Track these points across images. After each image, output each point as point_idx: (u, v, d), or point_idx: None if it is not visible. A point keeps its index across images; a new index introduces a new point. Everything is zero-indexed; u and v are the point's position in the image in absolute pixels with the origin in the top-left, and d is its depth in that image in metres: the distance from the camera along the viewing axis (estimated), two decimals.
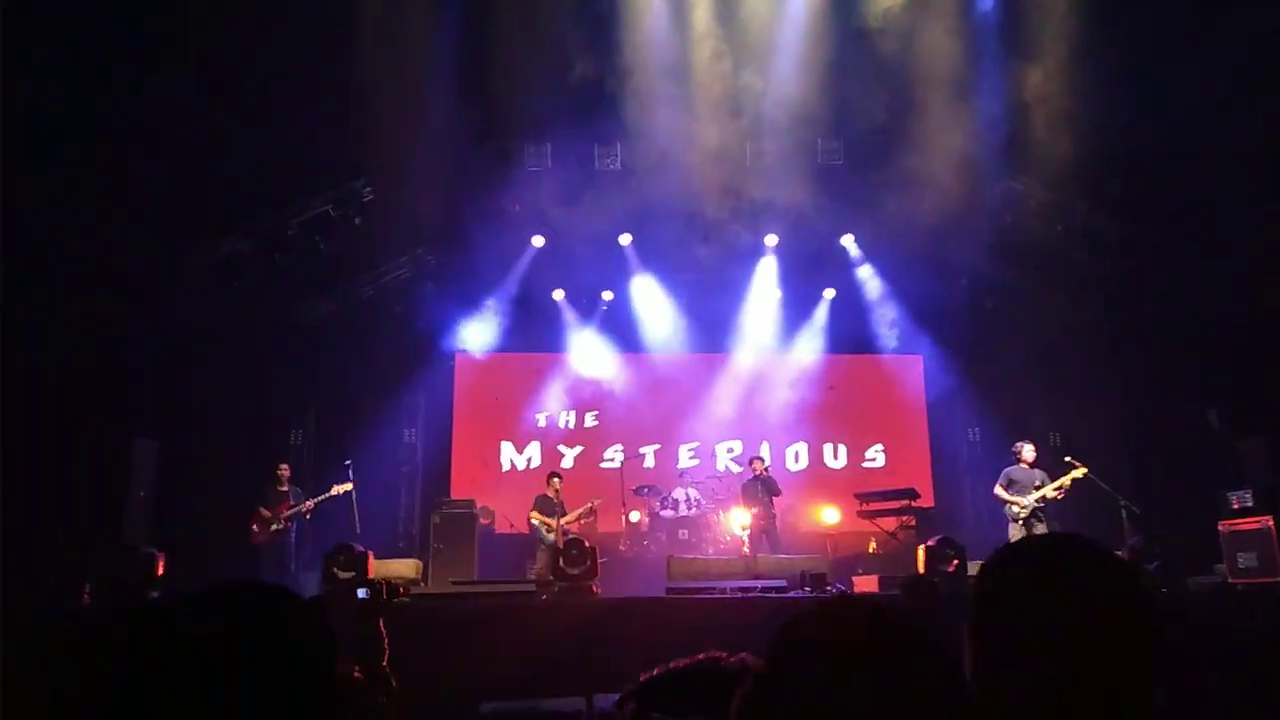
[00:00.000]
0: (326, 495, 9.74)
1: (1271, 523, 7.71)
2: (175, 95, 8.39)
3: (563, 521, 10.38)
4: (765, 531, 10.57)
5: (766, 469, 11.04)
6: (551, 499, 10.60)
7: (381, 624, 4.31)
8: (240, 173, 9.23)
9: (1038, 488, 9.43)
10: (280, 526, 9.67)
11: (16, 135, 7.10)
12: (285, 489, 9.93)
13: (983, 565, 1.25)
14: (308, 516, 9.85)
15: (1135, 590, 1.19)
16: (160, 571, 7.01)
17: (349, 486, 9.76)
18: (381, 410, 12.26)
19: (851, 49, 9.73)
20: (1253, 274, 9.32)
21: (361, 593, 4.79)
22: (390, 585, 4.85)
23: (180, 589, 6.21)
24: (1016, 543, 1.27)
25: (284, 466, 10.12)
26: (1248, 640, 6.47)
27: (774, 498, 10.83)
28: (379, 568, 7.82)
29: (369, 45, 9.17)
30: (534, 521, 10.51)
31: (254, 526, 9.61)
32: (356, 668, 3.86)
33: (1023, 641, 1.16)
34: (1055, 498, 9.40)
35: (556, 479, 10.82)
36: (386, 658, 4.32)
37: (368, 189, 10.82)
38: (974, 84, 10.04)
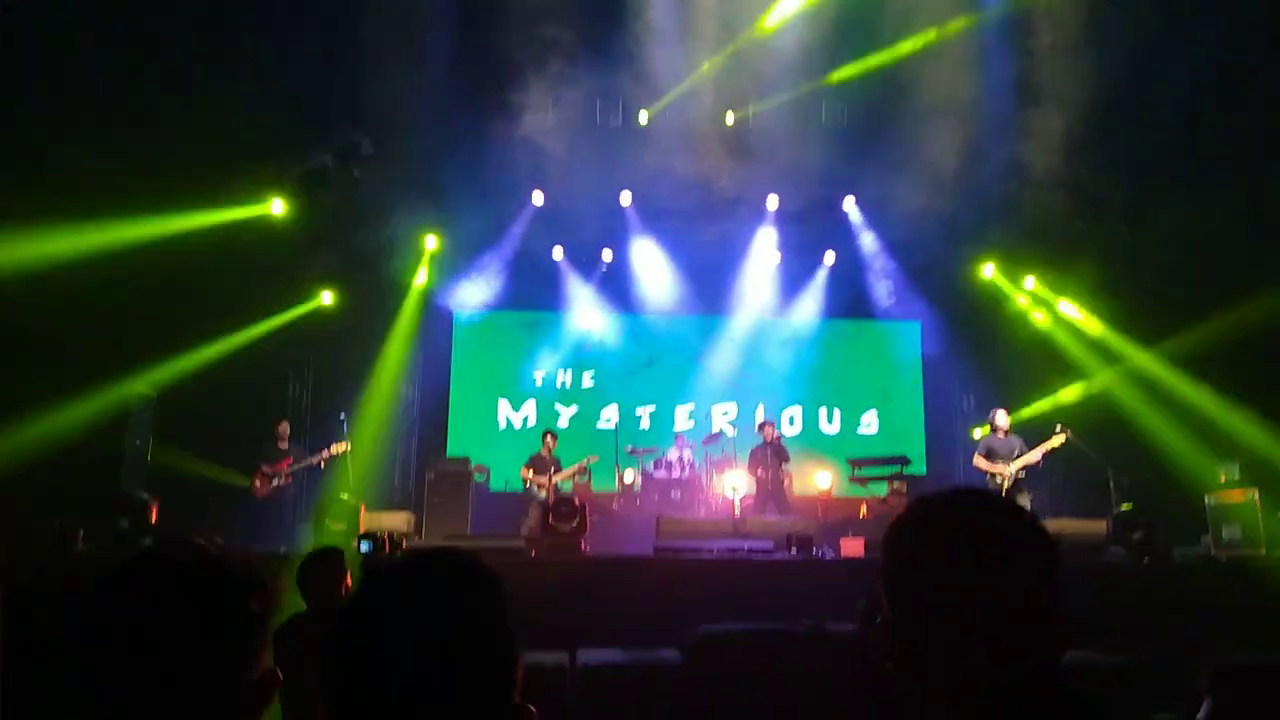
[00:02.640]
0: (324, 455, 9.81)
1: (1257, 495, 7.75)
2: (175, 45, 8.33)
3: (556, 478, 10.45)
4: (772, 496, 10.54)
5: (778, 435, 11.03)
6: (545, 457, 10.67)
7: None
8: (238, 123, 9.18)
9: (1017, 456, 9.40)
10: (282, 483, 9.78)
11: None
12: (285, 446, 10.01)
13: (894, 519, 1.28)
14: (322, 466, 9.95)
15: (1038, 534, 1.22)
16: (154, 519, 7.11)
17: (346, 446, 9.82)
18: (381, 364, 12.29)
19: (856, 10, 9.58)
20: (1249, 242, 9.27)
21: (364, 546, 4.89)
22: (393, 538, 4.96)
23: (172, 536, 6.30)
24: (924, 497, 1.30)
25: (284, 424, 10.18)
26: (1229, 613, 6.53)
27: (783, 464, 10.83)
28: (370, 520, 7.92)
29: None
30: (525, 479, 10.59)
31: (256, 482, 9.71)
32: None
33: (935, 589, 1.19)
34: (1036, 464, 9.41)
35: (550, 437, 10.88)
36: None
37: (367, 142, 10.75)
38: (980, 50, 9.90)
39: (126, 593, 1.25)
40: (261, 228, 10.58)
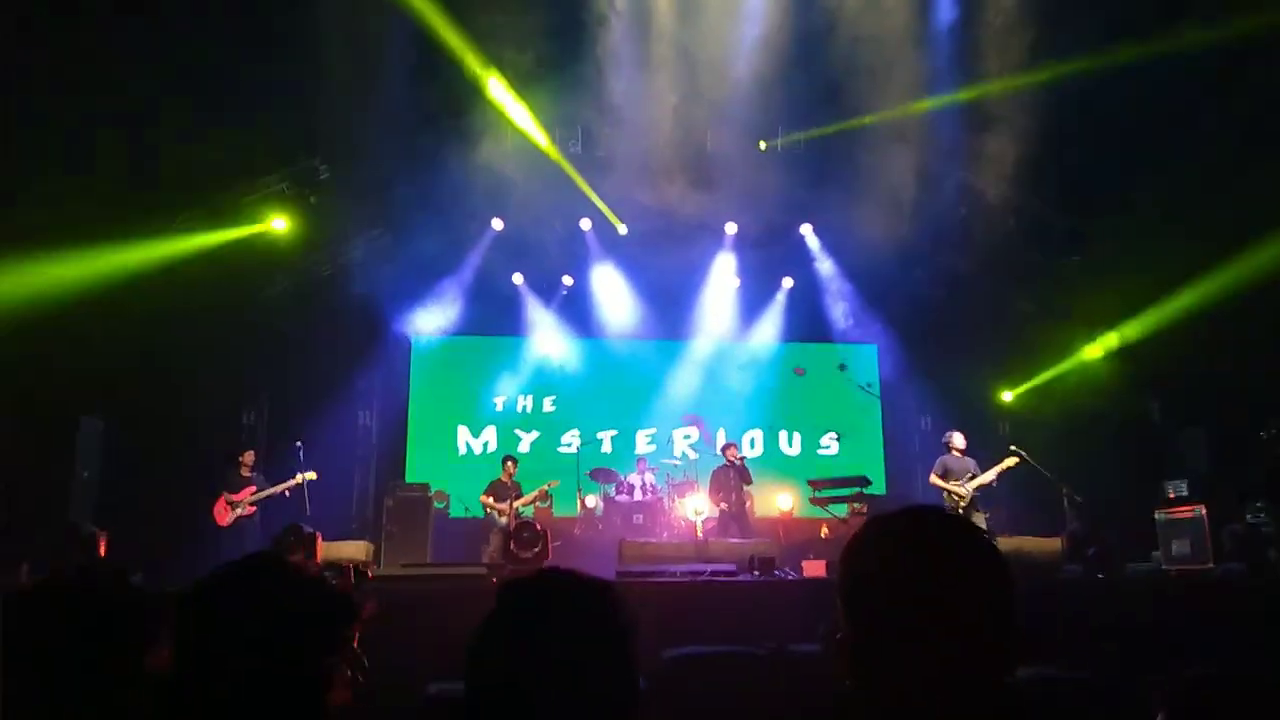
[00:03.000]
0: (292, 482, 9.63)
1: (1204, 511, 7.96)
2: (125, 68, 8.21)
3: (516, 505, 10.38)
4: (735, 518, 10.56)
5: (741, 457, 11.09)
6: (505, 483, 10.60)
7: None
8: (193, 148, 9.06)
9: (972, 476, 9.59)
10: (245, 512, 9.57)
11: None
12: (249, 475, 9.79)
13: (852, 536, 1.31)
14: (287, 495, 9.77)
15: (990, 551, 1.26)
16: (103, 552, 6.92)
17: (313, 475, 9.64)
18: (336, 392, 12.15)
19: (811, 40, 9.76)
20: (1192, 268, 9.58)
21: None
22: (358, 569, 4.89)
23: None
24: (881, 515, 1.33)
25: (248, 453, 9.97)
26: (1181, 625, 6.68)
27: (746, 485, 10.88)
28: (329, 550, 7.79)
29: (325, 21, 9.03)
30: (485, 505, 10.50)
31: (219, 510, 9.49)
32: None
33: (891, 605, 1.21)
34: (991, 483, 9.61)
35: (511, 463, 10.82)
36: (357, 640, 4.37)
37: (323, 167, 10.68)
38: (931, 80, 10.13)
39: (237, 599, 1.28)
40: (214, 254, 10.42)
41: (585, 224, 12.47)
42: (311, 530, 7.39)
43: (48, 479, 8.49)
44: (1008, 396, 12.40)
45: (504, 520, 10.18)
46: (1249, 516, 8.25)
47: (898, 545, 1.26)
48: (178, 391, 9.90)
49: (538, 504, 10.88)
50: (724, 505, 10.62)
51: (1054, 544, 8.50)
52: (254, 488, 9.62)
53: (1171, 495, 8.89)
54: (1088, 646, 5.66)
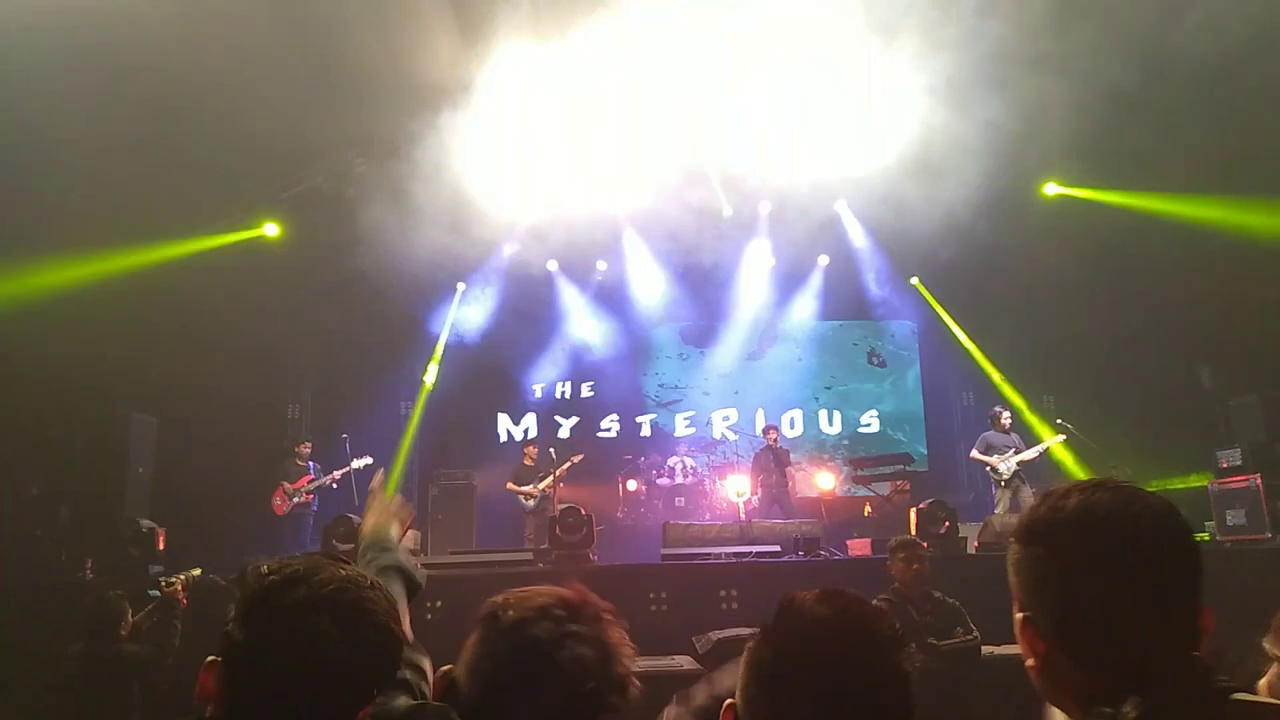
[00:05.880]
0: (347, 469, 9.84)
1: (1260, 480, 7.79)
2: (165, 67, 8.32)
3: (541, 485, 10.41)
4: (777, 500, 10.61)
5: (780, 438, 11.09)
6: (528, 467, 10.65)
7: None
8: (233, 147, 9.18)
9: (1016, 452, 9.62)
10: (303, 500, 9.82)
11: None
12: (304, 464, 10.05)
13: (1031, 522, 1.28)
14: (334, 486, 9.97)
15: (1182, 524, 1.22)
16: (161, 546, 7.09)
17: (369, 460, 9.80)
18: (377, 384, 12.28)
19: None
20: (1245, 231, 9.32)
21: None
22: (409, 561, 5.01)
23: (181, 563, 6.27)
24: (1062, 489, 1.28)
25: (305, 444, 10.24)
26: (1233, 597, 6.55)
27: (785, 467, 10.88)
28: None
29: (359, 17, 9.06)
30: (511, 490, 10.56)
31: (277, 500, 9.74)
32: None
33: (1108, 588, 1.18)
34: (1032, 460, 9.64)
35: (531, 447, 10.88)
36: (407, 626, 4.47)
37: (359, 161, 10.77)
38: (957, 39, 9.90)
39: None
40: (255, 251, 10.58)
41: (619, 208, 12.40)
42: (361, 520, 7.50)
43: (103, 477, 8.69)
44: None
45: (530, 504, 10.26)
46: None
47: (1104, 529, 1.21)
48: (224, 388, 10.07)
49: (560, 479, 10.83)
50: (765, 486, 10.62)
51: None
52: (310, 476, 9.88)
53: (1225, 465, 8.71)
54: None
